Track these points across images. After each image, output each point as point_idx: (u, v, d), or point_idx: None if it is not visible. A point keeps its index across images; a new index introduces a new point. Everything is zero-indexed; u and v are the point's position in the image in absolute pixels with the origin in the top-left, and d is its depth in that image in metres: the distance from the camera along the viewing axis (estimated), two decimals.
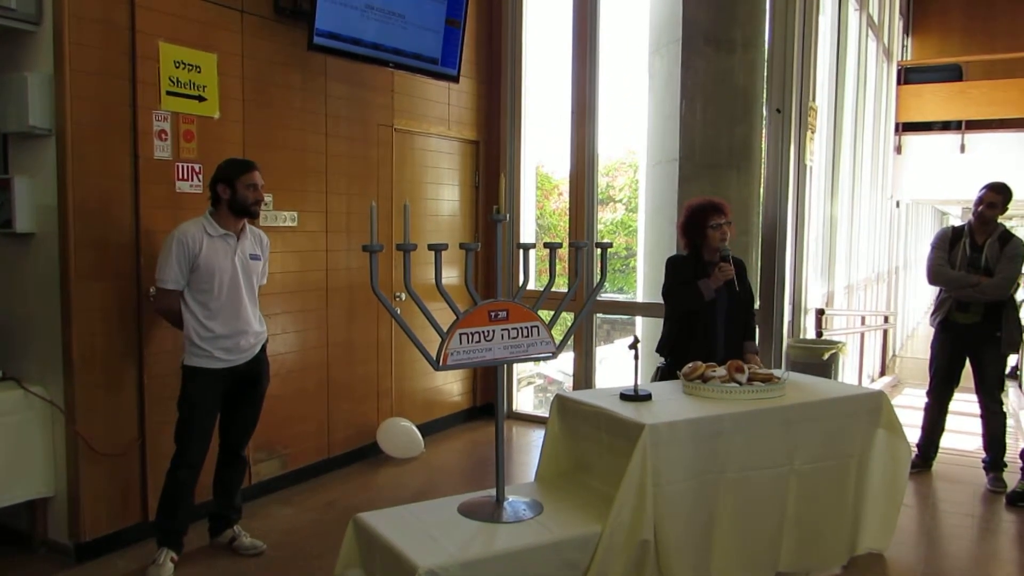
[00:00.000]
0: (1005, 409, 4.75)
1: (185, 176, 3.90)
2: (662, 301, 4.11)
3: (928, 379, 4.89)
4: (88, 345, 3.54)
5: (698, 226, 3.93)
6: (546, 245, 2.94)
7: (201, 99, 3.96)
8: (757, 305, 5.21)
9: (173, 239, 3.38)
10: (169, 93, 3.81)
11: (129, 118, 3.67)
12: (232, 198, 3.44)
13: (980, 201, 4.61)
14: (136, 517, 3.79)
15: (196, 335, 3.43)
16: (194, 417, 3.47)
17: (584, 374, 5.89)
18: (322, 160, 4.69)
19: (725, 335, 3.95)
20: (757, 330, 5.20)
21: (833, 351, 5.41)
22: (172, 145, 3.83)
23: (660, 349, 4.06)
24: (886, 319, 11.54)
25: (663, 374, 4.00)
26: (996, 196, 4.56)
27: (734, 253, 3.93)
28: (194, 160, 3.93)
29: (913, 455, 4.46)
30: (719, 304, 3.90)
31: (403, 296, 5.20)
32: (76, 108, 3.45)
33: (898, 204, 12.69)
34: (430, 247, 2.62)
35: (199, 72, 3.94)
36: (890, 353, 12.23)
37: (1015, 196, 4.71)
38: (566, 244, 3.74)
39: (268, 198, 4.32)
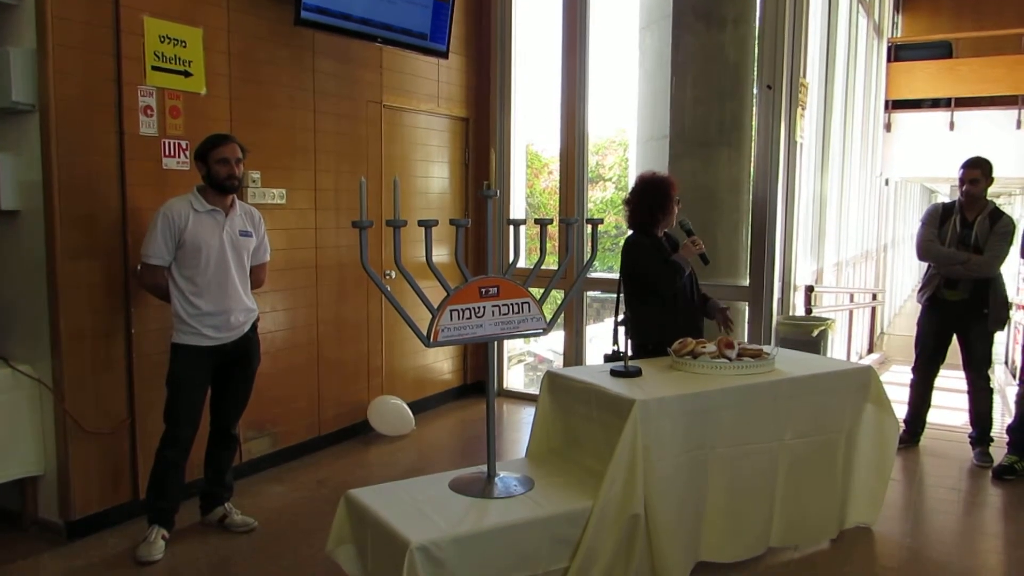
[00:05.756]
0: (992, 385, 4.79)
1: (172, 153, 3.85)
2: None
3: (913, 355, 4.92)
4: (75, 323, 3.51)
5: (667, 199, 3.77)
6: (537, 221, 2.93)
7: (187, 75, 3.91)
8: (747, 282, 5.24)
9: (159, 214, 3.37)
10: (154, 68, 3.75)
11: (114, 94, 3.62)
12: (207, 173, 3.43)
13: (963, 180, 4.60)
14: (127, 495, 3.78)
15: (184, 312, 3.41)
16: (182, 395, 3.46)
17: (574, 352, 5.90)
18: (310, 137, 4.65)
19: (689, 308, 3.89)
20: (747, 307, 5.24)
21: (822, 328, 5.44)
22: (158, 121, 3.79)
23: (640, 334, 3.81)
24: (874, 296, 11.61)
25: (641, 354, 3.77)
26: (976, 171, 4.55)
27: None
28: (180, 137, 3.88)
29: (901, 431, 4.50)
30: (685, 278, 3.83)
31: (393, 274, 5.19)
32: (60, 83, 3.39)
33: (887, 182, 12.72)
34: (420, 223, 2.60)
35: (184, 47, 3.89)
36: (878, 331, 12.32)
37: (1006, 174, 4.71)
38: (556, 221, 3.72)
39: (256, 175, 4.29)
